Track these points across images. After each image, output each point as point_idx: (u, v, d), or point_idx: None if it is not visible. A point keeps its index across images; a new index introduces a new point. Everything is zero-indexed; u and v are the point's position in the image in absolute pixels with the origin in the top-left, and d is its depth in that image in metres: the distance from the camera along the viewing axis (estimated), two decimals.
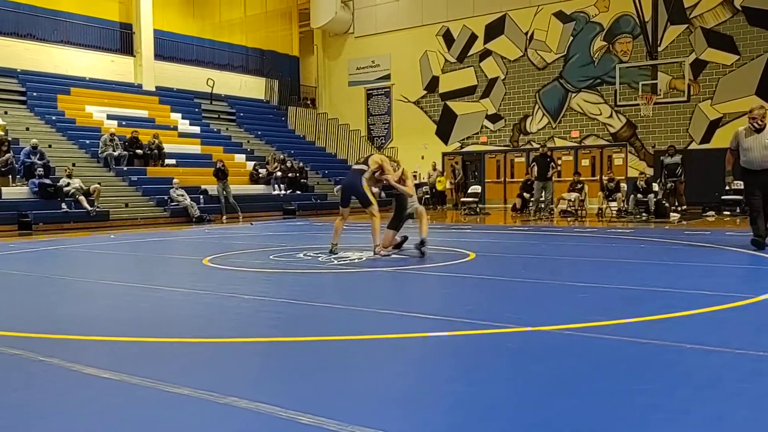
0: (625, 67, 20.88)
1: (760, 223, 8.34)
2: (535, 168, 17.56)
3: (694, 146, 21.05)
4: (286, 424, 2.59)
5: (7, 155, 15.72)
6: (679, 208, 17.00)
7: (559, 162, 20.67)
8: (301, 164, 23.56)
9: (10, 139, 16.49)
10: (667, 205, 16.39)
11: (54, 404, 2.91)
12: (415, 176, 25.92)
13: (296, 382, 3.20)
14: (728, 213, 16.88)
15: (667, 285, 5.95)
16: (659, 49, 20.10)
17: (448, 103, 26.02)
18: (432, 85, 26.44)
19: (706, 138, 20.99)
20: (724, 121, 20.70)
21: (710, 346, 3.67)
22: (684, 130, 21.36)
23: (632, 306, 4.94)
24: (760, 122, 8.33)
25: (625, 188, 17.86)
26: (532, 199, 18.03)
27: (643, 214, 16.12)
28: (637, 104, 19.97)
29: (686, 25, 21.19)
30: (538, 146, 19.44)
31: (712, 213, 16.96)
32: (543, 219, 16.45)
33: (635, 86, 20.25)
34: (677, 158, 17.79)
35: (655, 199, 16.26)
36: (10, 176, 15.89)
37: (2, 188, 15.48)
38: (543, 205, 17.31)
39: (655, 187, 16.92)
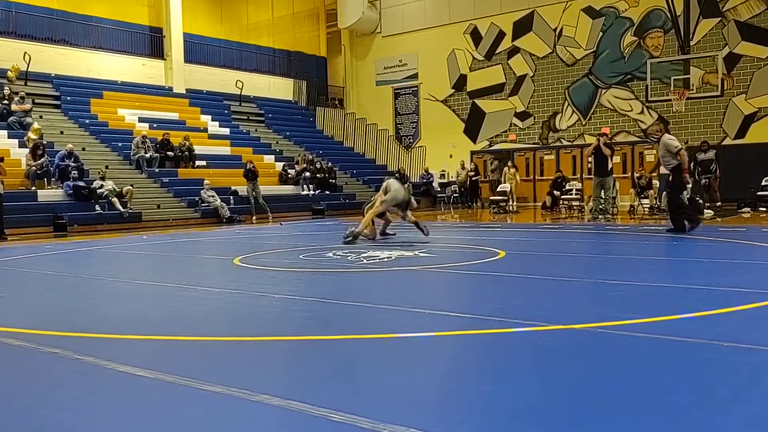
0: (656, 62, 20.59)
1: None
2: (592, 161, 15.03)
3: (728, 141, 20.65)
4: (318, 422, 2.59)
5: (43, 159, 16.04)
6: (714, 205, 16.68)
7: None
8: (329, 164, 23.64)
9: (45, 142, 16.81)
10: (701, 201, 16.08)
11: (89, 402, 2.95)
12: (443, 175, 25.99)
13: (327, 380, 3.21)
14: (764, 209, 16.55)
15: (702, 282, 5.83)
16: (691, 43, 19.78)
17: (477, 101, 25.89)
18: (460, 83, 26.33)
19: (741, 133, 20.58)
20: (759, 116, 20.28)
21: (747, 344, 3.60)
22: (717, 125, 20.97)
23: (667, 304, 4.86)
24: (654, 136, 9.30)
25: (657, 185, 17.56)
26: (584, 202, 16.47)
27: None
28: (669, 100, 19.65)
29: (719, 19, 20.79)
30: (596, 136, 16.12)
31: (748, 209, 16.62)
32: (605, 219, 14.62)
33: (667, 81, 19.95)
34: (711, 154, 17.48)
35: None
36: (45, 179, 16.22)
37: (38, 191, 15.82)
38: (604, 205, 14.85)
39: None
